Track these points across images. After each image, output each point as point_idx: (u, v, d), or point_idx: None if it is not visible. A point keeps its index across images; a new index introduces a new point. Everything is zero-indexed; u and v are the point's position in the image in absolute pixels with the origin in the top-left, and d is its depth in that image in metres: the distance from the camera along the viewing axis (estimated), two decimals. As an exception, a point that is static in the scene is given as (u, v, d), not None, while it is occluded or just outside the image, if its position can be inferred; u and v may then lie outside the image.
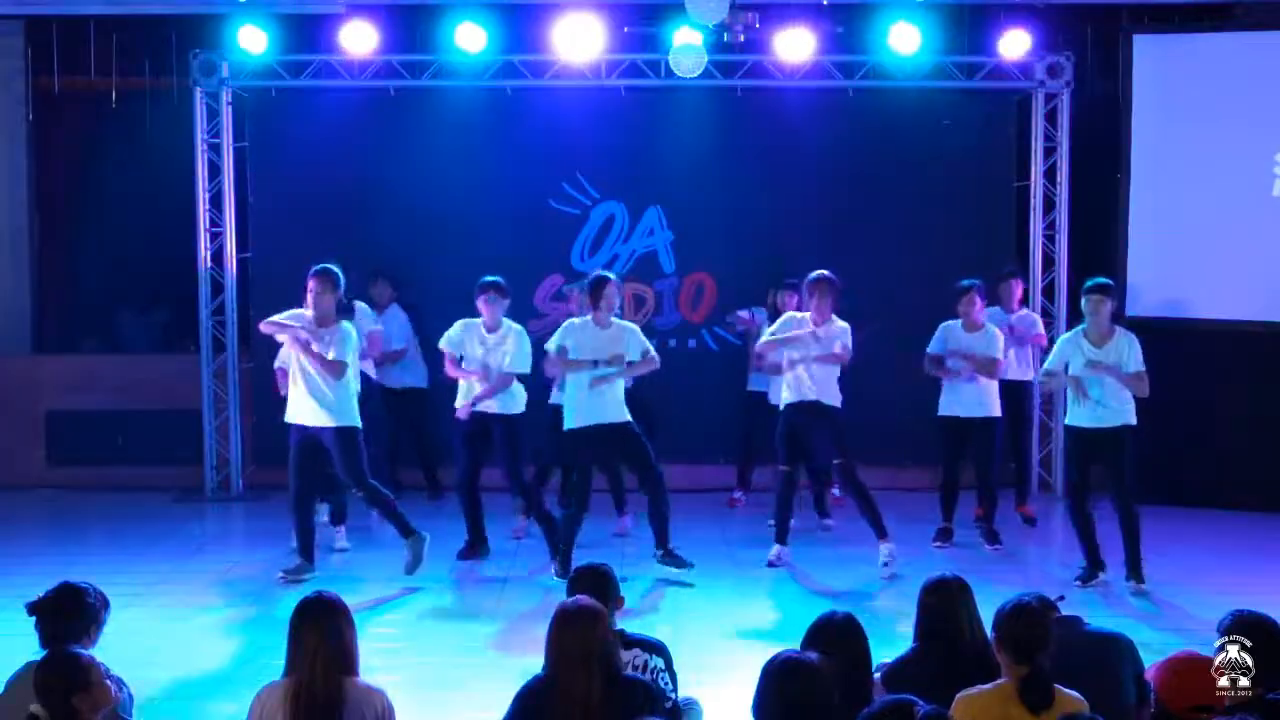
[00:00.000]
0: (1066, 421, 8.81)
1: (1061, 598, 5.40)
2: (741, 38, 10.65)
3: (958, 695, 4.45)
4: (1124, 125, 11.38)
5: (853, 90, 11.55)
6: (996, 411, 9.64)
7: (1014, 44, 11.42)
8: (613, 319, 8.90)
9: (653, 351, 8.97)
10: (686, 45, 10.88)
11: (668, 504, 8.88)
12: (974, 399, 9.56)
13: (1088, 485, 8.67)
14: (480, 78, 11.52)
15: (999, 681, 4.49)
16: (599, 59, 11.39)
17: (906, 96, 11.60)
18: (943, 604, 4.97)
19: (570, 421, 8.80)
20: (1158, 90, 11.28)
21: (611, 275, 9.04)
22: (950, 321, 9.64)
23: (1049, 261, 11.72)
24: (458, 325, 9.17)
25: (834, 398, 9.07)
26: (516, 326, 9.18)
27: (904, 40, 11.22)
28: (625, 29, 11.51)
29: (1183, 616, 8.03)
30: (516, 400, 9.14)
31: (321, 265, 8.78)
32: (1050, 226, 11.73)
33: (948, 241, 11.54)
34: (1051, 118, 11.63)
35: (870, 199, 11.68)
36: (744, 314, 10.95)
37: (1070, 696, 4.43)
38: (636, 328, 9.14)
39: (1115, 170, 11.49)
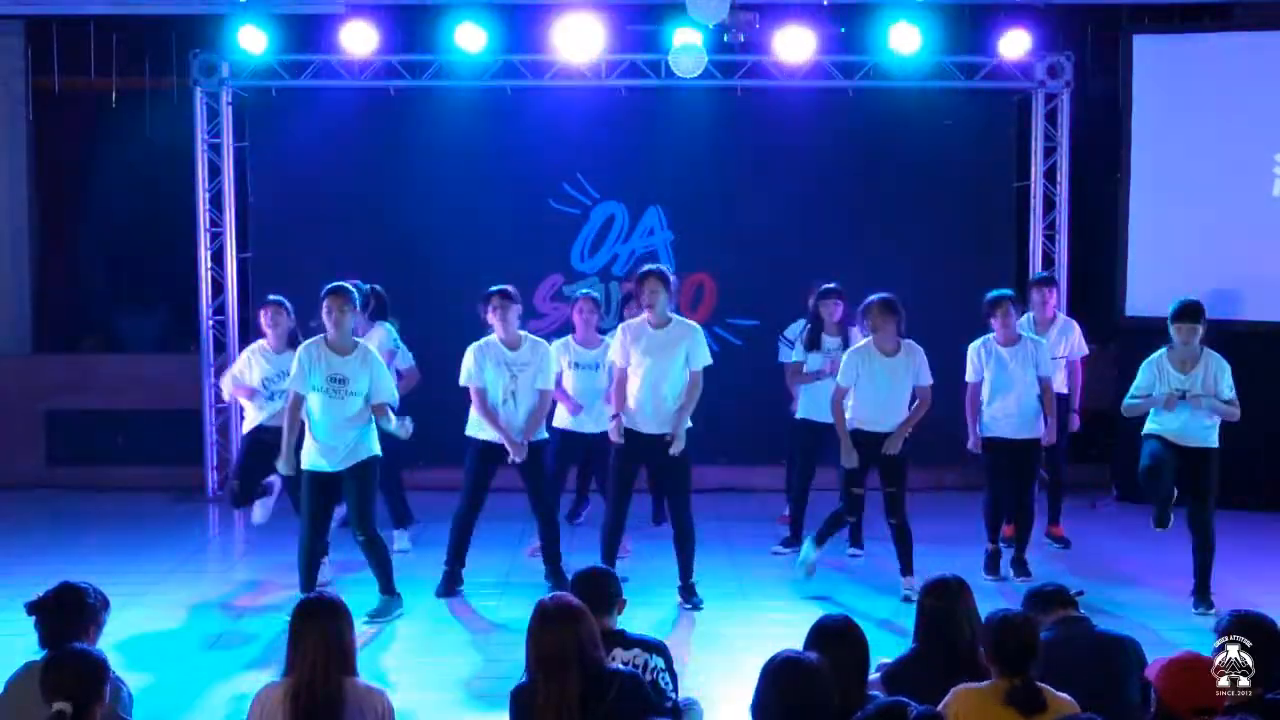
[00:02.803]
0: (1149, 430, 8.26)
1: (1080, 593, 5.42)
2: (741, 38, 10.63)
3: (957, 688, 4.44)
4: (1124, 125, 11.39)
5: (853, 90, 11.56)
6: (1040, 432, 8.84)
7: (1014, 44, 11.42)
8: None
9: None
10: (686, 45, 10.89)
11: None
12: (1022, 419, 8.74)
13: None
14: (480, 78, 11.53)
15: (996, 680, 4.49)
16: (599, 59, 11.39)
17: (906, 96, 11.60)
18: (942, 605, 4.97)
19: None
20: (1158, 90, 11.28)
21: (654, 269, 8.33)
22: (980, 341, 8.86)
23: (1049, 261, 11.72)
24: (470, 353, 8.39)
25: None
26: (534, 338, 8.52)
27: (904, 40, 11.23)
28: (626, 29, 11.51)
29: (1184, 616, 8.03)
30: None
31: (336, 283, 7.86)
32: (1050, 226, 11.74)
33: (948, 241, 11.58)
34: (1051, 118, 11.64)
35: (870, 199, 11.71)
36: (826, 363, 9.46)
37: (1061, 700, 4.41)
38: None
39: (1115, 170, 11.50)
